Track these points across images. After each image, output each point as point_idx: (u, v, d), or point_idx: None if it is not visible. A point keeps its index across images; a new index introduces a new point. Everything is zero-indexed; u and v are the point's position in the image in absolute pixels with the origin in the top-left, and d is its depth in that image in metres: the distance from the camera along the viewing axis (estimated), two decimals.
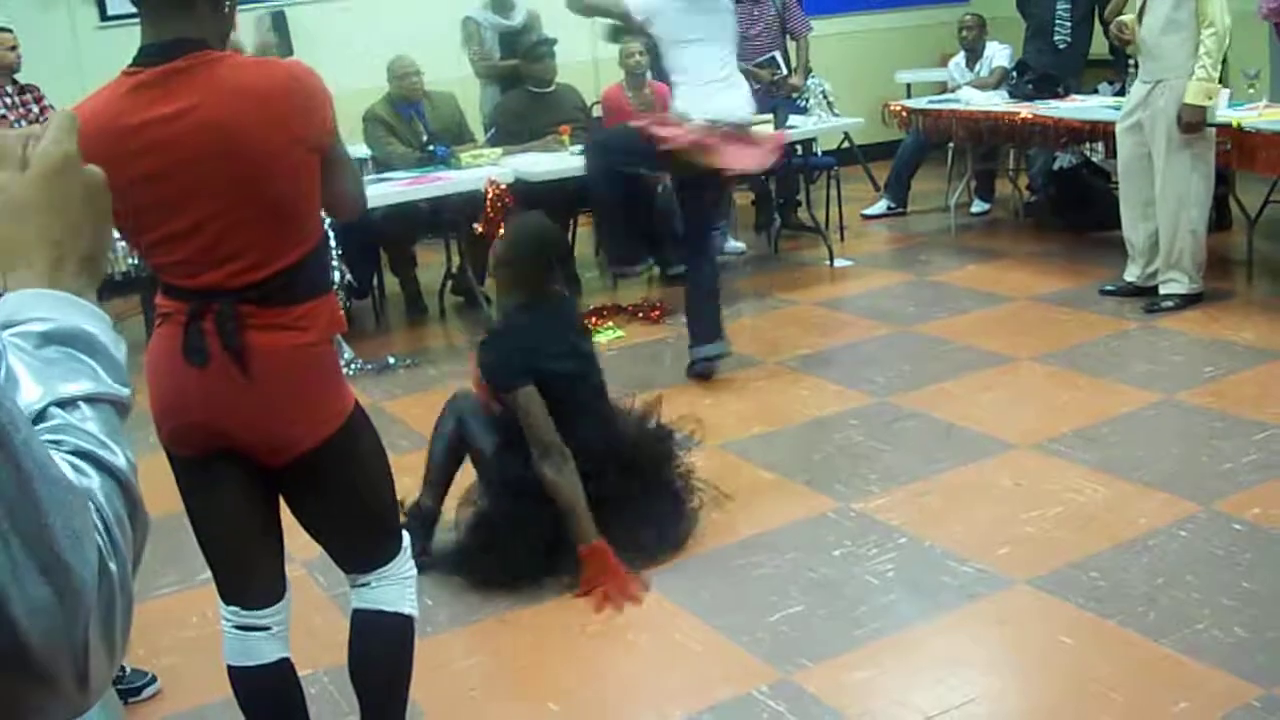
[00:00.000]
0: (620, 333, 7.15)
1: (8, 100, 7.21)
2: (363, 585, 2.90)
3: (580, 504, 4.16)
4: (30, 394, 1.01)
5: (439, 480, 4.51)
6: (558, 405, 4.21)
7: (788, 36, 9.33)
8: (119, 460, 1.01)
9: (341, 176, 2.68)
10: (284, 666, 2.86)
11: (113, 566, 0.92)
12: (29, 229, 1.13)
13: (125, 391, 1.09)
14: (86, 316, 1.11)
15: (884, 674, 3.58)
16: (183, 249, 2.55)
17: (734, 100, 6.03)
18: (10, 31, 7.29)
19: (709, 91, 5.95)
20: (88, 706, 0.92)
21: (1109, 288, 7.10)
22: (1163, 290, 6.76)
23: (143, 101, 2.47)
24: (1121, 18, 6.93)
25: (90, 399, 1.04)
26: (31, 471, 0.86)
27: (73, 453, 0.98)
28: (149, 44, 2.52)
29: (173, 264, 2.59)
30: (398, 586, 2.90)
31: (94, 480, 0.96)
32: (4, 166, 1.16)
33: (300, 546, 3.04)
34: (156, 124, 2.46)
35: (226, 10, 2.60)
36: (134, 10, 2.54)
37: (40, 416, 1.00)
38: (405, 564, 2.93)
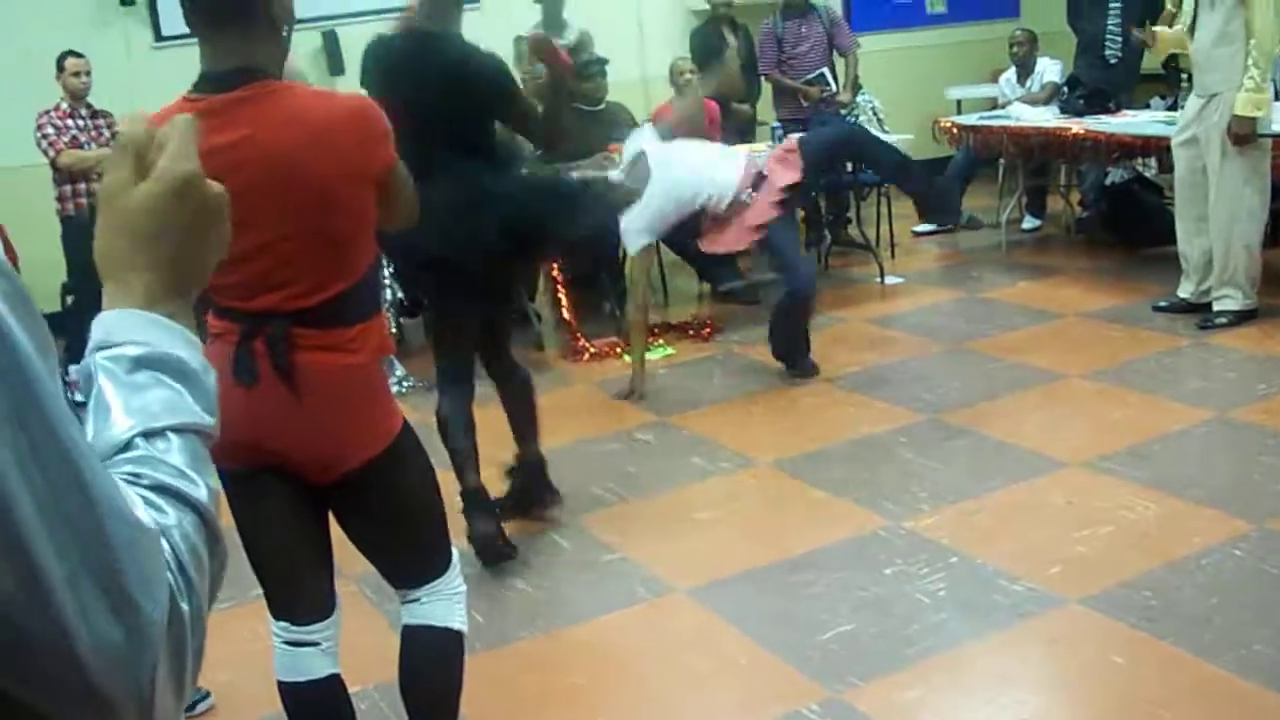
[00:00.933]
0: (671, 350, 7.15)
1: (80, 123, 7.32)
2: (412, 601, 2.92)
3: None
4: (118, 424, 1.02)
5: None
6: None
7: (835, 53, 9.33)
8: (200, 492, 1.00)
9: (395, 206, 2.71)
10: (334, 682, 2.88)
11: (184, 607, 0.93)
12: (137, 248, 1.12)
13: (211, 421, 1.09)
14: (180, 342, 1.11)
15: (935, 693, 3.57)
16: (237, 273, 2.57)
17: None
18: (82, 57, 7.39)
19: None
20: None
21: (1162, 304, 7.04)
22: (1216, 306, 6.70)
23: (203, 129, 2.49)
24: (1155, 27, 6.91)
25: (176, 429, 1.04)
26: (105, 511, 0.87)
27: (152, 487, 0.98)
28: (209, 71, 2.55)
29: (227, 286, 2.61)
30: (447, 602, 2.92)
31: (170, 516, 0.96)
32: (123, 164, 1.14)
33: (350, 561, 3.06)
34: (216, 152, 2.46)
35: (284, 36, 2.62)
36: (189, 31, 2.56)
37: (125, 446, 1.00)
38: (455, 579, 2.95)
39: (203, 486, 1.02)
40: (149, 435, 1.02)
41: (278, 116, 2.51)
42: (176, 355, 1.09)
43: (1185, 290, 6.95)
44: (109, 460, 0.99)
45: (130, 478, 0.97)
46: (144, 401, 1.04)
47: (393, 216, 2.74)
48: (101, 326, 1.09)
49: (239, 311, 2.62)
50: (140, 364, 1.06)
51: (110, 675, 0.86)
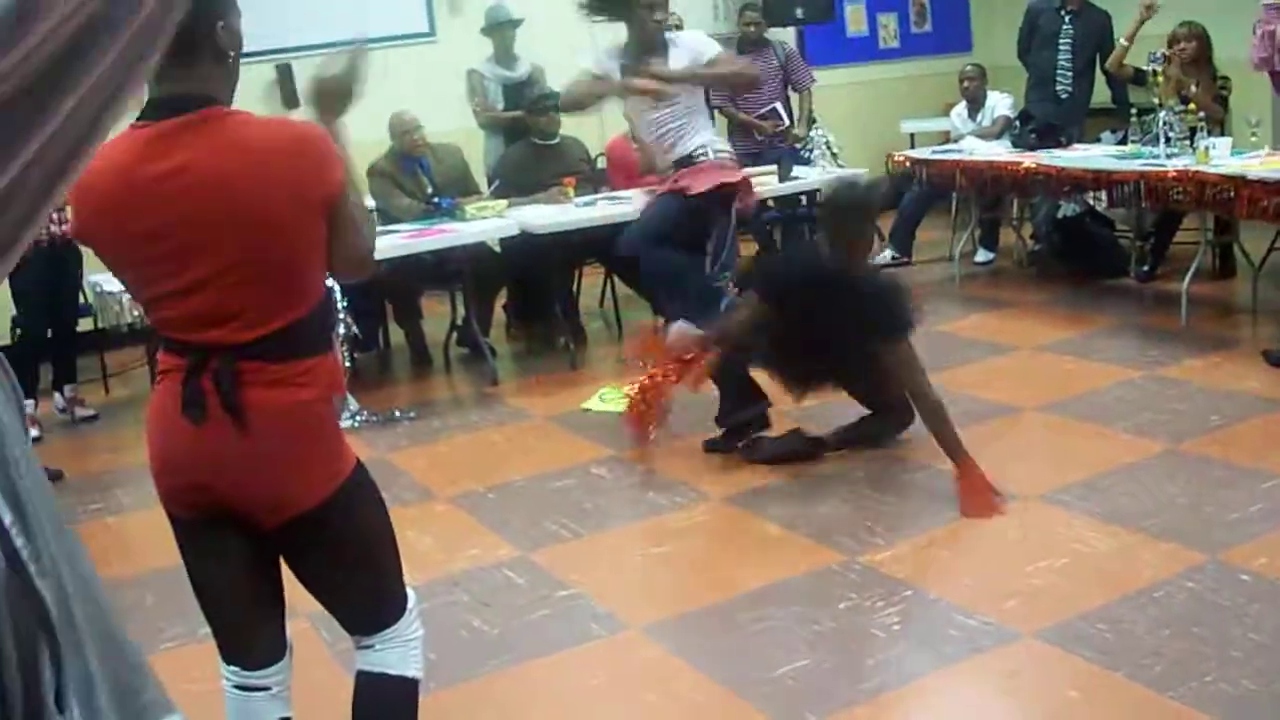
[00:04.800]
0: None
1: None
2: (366, 647, 2.85)
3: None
4: None
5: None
6: None
7: (790, 88, 9.37)
8: None
9: (347, 237, 2.63)
10: None
11: None
12: None
13: None
14: None
15: None
16: (184, 305, 2.54)
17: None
18: None
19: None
20: None
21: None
22: None
23: (146, 156, 2.46)
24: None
25: None
26: None
27: None
28: (154, 98, 2.52)
29: (173, 319, 2.57)
30: (401, 649, 2.86)
31: None
32: None
33: (304, 600, 3.02)
34: (158, 179, 2.45)
35: (231, 62, 2.59)
36: None
37: None
38: (410, 625, 2.88)
39: None
40: None
41: (221, 142, 2.48)
42: None
43: None
44: None
45: None
46: None
47: (336, 253, 2.67)
48: None
49: (186, 345, 2.57)
50: None
51: None
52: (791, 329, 5.32)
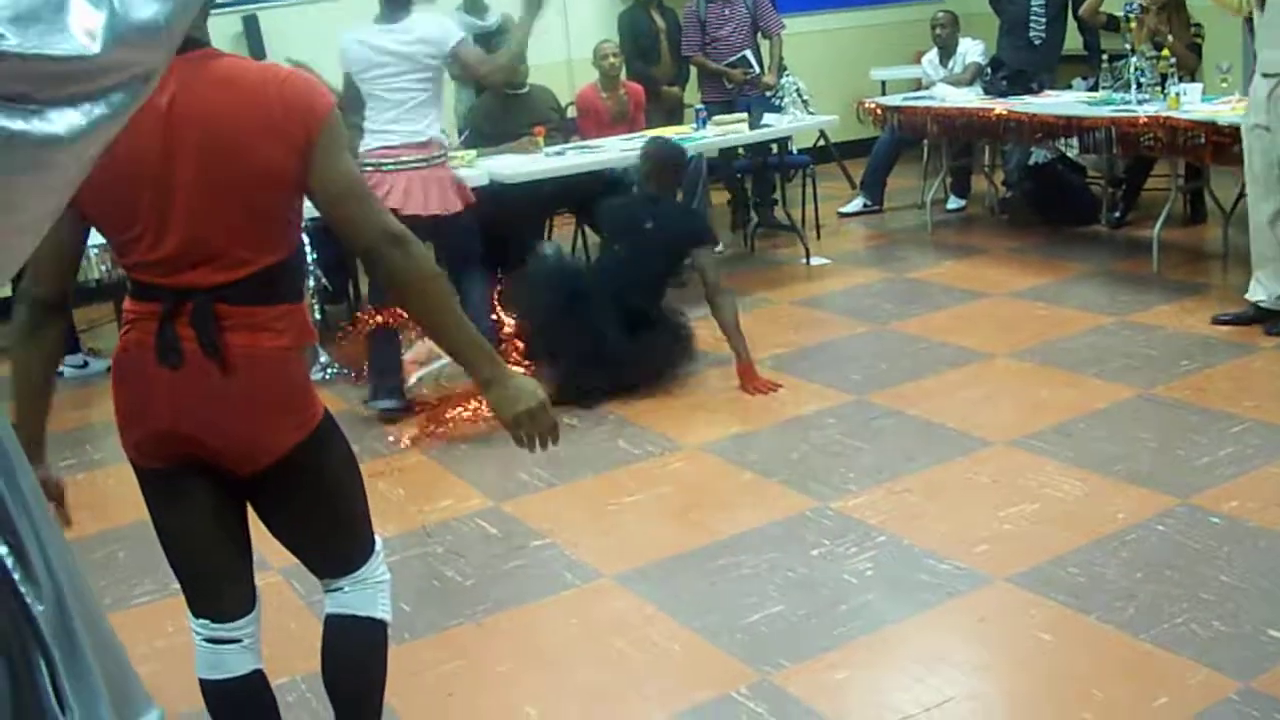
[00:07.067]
0: None
1: None
2: (335, 590, 2.86)
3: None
4: None
5: None
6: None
7: (760, 35, 9.32)
8: None
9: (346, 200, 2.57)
10: (256, 678, 2.82)
11: None
12: None
13: None
14: None
15: (864, 673, 3.57)
16: (161, 247, 2.50)
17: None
18: None
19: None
20: None
21: (1226, 316, 6.34)
22: None
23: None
24: None
25: None
26: None
27: None
28: None
29: (149, 262, 2.53)
30: (370, 591, 2.87)
31: None
32: None
33: (275, 553, 3.01)
34: (147, 113, 2.41)
35: (207, 7, 2.58)
36: None
37: None
38: (378, 568, 2.89)
39: None
40: None
41: (206, 81, 2.45)
42: None
43: (1259, 294, 6.16)
44: None
45: None
46: None
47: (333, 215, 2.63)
48: None
49: (160, 288, 2.54)
50: None
51: None
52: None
